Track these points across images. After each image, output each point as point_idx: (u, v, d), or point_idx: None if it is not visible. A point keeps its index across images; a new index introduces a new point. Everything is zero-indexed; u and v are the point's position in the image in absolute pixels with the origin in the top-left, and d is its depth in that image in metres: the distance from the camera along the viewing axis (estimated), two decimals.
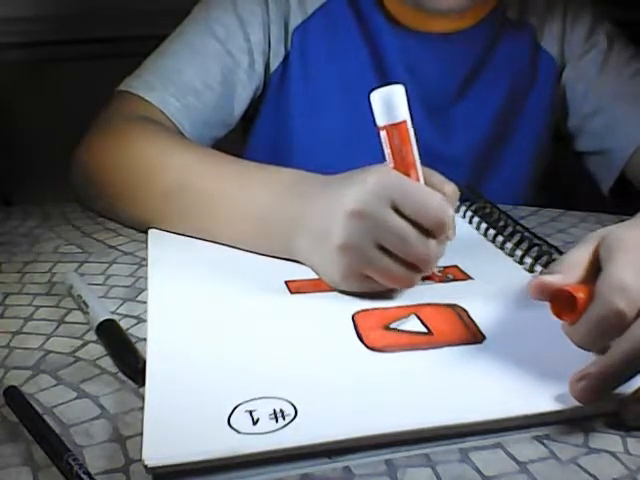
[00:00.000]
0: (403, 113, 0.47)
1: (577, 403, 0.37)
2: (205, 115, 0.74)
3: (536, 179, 0.85)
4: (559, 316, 0.42)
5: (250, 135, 0.87)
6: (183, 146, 0.63)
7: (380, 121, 0.47)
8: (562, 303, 0.41)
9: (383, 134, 0.48)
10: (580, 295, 0.40)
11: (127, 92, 0.72)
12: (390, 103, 0.47)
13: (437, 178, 0.51)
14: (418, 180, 0.49)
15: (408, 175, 0.48)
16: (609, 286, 0.38)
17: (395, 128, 0.47)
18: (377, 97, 0.47)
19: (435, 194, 0.48)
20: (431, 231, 0.47)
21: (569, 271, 0.42)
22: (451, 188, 0.51)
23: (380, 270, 0.48)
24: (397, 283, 0.49)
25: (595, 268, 0.41)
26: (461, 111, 0.80)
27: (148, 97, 0.71)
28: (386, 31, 0.78)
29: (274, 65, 0.80)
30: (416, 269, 0.48)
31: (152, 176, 0.61)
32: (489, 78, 0.80)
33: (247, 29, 0.77)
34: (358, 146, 0.76)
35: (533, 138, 0.83)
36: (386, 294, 0.49)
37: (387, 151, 0.48)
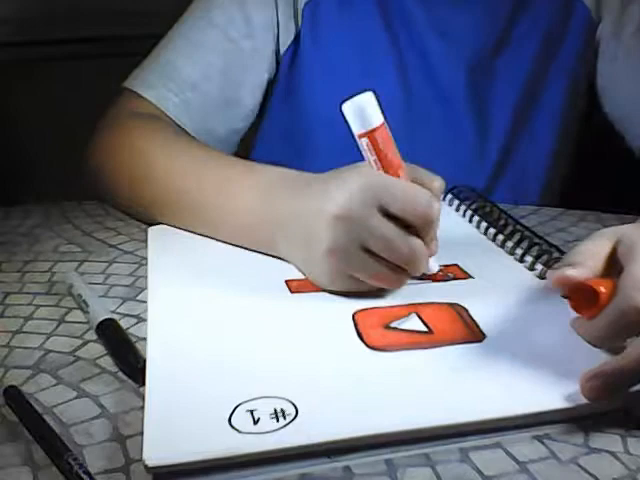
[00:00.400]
0: (379, 116, 0.47)
1: (577, 402, 0.37)
2: (207, 108, 0.74)
3: (566, 142, 0.83)
4: (578, 310, 0.41)
5: (263, 118, 0.85)
6: (177, 148, 0.64)
7: (359, 129, 0.47)
8: (582, 297, 0.41)
9: (365, 141, 0.47)
10: (602, 290, 0.40)
11: (128, 89, 0.73)
12: (364, 110, 0.47)
13: (422, 173, 0.50)
14: (406, 179, 0.48)
15: (397, 175, 0.48)
16: (633, 282, 0.39)
17: (376, 132, 0.47)
18: (350, 107, 0.47)
19: (421, 190, 0.47)
20: (417, 230, 0.47)
21: (588, 261, 0.42)
22: (438, 182, 0.50)
23: (367, 272, 0.48)
24: (385, 284, 0.49)
25: (614, 263, 0.41)
26: (500, 67, 0.78)
27: (146, 95, 0.72)
28: (412, 2, 0.76)
29: (285, 45, 0.78)
30: (404, 270, 0.48)
31: (146, 181, 0.63)
32: (523, 31, 0.78)
33: (248, 12, 0.75)
34: None
35: (563, 92, 0.80)
36: (386, 293, 0.50)
37: (372, 158, 0.47)
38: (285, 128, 0.83)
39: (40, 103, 1.30)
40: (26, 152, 1.34)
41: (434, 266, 0.50)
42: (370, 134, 0.47)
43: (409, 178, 0.48)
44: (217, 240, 0.59)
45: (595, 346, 0.41)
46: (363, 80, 0.76)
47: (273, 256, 0.55)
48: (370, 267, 0.47)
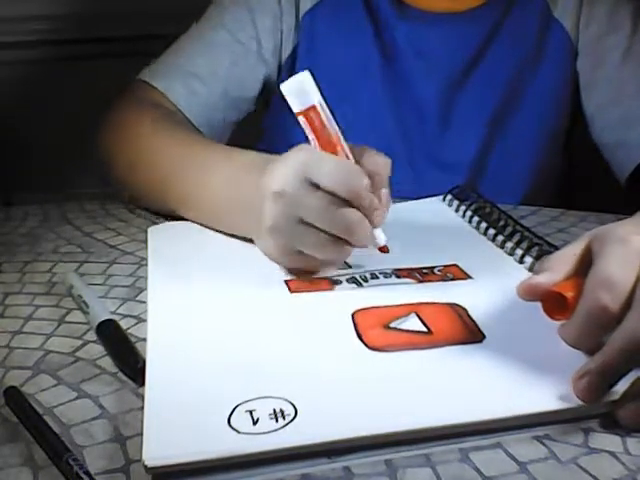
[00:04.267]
0: (316, 96, 0.49)
1: (577, 403, 0.37)
2: (211, 101, 0.77)
3: (544, 163, 0.82)
4: (550, 315, 0.42)
5: (263, 124, 0.88)
6: (169, 134, 0.67)
7: (297, 108, 0.49)
8: (553, 303, 0.41)
9: (302, 119, 0.49)
10: (569, 294, 0.40)
11: (140, 80, 0.77)
12: (301, 90, 0.49)
13: (368, 152, 0.51)
14: (347, 156, 0.50)
15: (335, 153, 0.50)
16: (595, 282, 0.39)
17: (312, 111, 0.49)
18: (287, 87, 0.49)
19: (348, 163, 0.49)
20: (349, 200, 0.48)
21: (558, 266, 0.42)
22: (382, 161, 0.51)
23: (308, 244, 0.49)
24: (328, 255, 0.50)
25: (587, 262, 0.41)
26: (471, 88, 0.79)
27: (155, 84, 0.76)
28: (393, 14, 0.78)
29: (286, 54, 0.81)
30: (345, 240, 0.49)
31: (141, 166, 0.66)
32: (499, 53, 0.78)
33: (256, 17, 0.79)
34: (362, 133, 0.76)
35: (540, 115, 0.80)
36: (385, 293, 0.50)
37: (310, 136, 0.50)
38: (276, 140, 0.85)
39: (49, 103, 1.31)
40: (29, 152, 1.34)
41: (380, 238, 0.51)
42: (306, 112, 0.49)
43: (354, 157, 0.50)
44: (206, 227, 0.61)
45: (574, 347, 0.41)
46: (350, 95, 0.79)
47: None
48: (310, 239, 0.49)
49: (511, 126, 0.80)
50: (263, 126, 0.88)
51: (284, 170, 0.50)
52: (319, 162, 0.49)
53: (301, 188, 0.48)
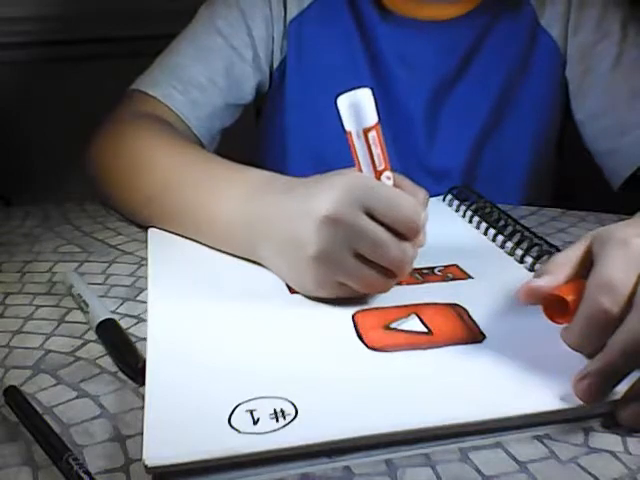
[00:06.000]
0: (374, 116, 0.46)
1: (577, 403, 0.37)
2: (211, 109, 0.76)
3: (537, 168, 0.82)
4: (552, 319, 0.42)
5: (257, 133, 0.88)
6: (168, 148, 0.63)
7: (351, 126, 0.46)
8: (554, 306, 0.41)
9: (355, 139, 0.46)
10: (570, 297, 0.40)
11: (135, 90, 0.75)
12: (360, 107, 0.45)
13: (407, 184, 0.50)
14: (393, 183, 0.47)
15: (379, 179, 0.47)
16: (596, 285, 0.39)
17: (368, 131, 0.45)
18: (345, 102, 0.45)
19: (407, 197, 0.46)
20: (404, 234, 0.46)
21: (559, 269, 0.42)
22: (422, 194, 0.50)
23: (355, 277, 0.46)
24: (372, 289, 0.48)
25: (587, 264, 0.41)
26: (458, 96, 0.78)
27: (153, 92, 0.73)
28: (379, 21, 0.78)
29: (277, 61, 0.81)
30: (391, 274, 0.47)
31: (136, 179, 0.63)
32: (486, 62, 0.78)
33: (250, 23, 0.78)
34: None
35: (531, 122, 0.80)
36: (384, 294, 0.49)
37: (360, 155, 0.46)
38: (271, 149, 0.85)
39: (49, 103, 1.31)
40: (29, 152, 1.34)
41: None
42: (360, 132, 0.45)
43: (395, 185, 0.48)
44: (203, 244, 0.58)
45: (576, 351, 0.41)
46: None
47: None
48: (360, 272, 0.46)
49: (501, 133, 0.80)
50: (258, 134, 0.88)
51: (334, 194, 0.45)
52: (376, 191, 0.45)
53: (356, 217, 0.44)
